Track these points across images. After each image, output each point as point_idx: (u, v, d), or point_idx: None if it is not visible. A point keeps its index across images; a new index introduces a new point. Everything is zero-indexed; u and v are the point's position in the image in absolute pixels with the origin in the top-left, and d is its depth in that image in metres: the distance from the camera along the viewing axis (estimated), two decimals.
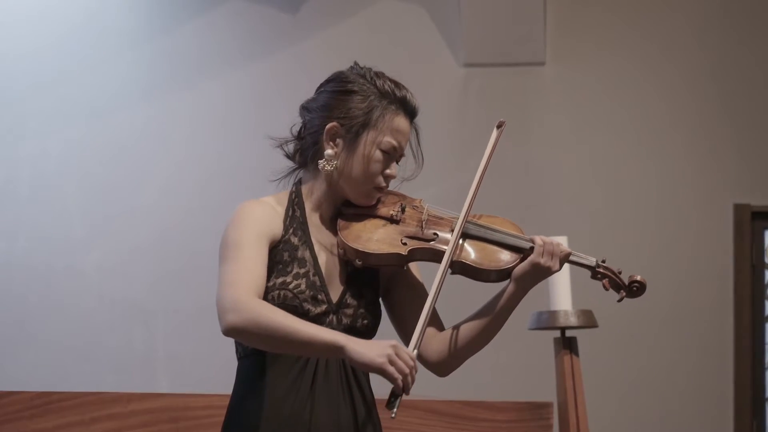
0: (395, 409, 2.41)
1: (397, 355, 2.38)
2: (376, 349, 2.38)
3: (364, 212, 2.67)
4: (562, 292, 4.24)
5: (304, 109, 2.70)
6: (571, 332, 4.27)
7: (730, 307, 5.96)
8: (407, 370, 2.39)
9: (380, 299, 2.71)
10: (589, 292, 5.55)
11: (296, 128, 2.71)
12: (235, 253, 2.51)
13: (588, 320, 4.23)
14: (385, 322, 2.74)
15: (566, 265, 4.26)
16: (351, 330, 2.57)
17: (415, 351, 2.44)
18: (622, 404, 5.90)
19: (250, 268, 2.50)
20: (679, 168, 6.04)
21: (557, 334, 4.27)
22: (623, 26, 6.10)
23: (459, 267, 2.62)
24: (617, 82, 6.08)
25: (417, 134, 2.74)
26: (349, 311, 2.60)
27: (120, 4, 6.09)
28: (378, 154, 2.63)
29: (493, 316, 2.65)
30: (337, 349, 2.39)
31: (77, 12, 6.07)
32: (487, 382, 5.83)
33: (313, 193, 2.67)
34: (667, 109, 6.07)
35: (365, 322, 2.61)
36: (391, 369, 2.37)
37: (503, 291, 2.66)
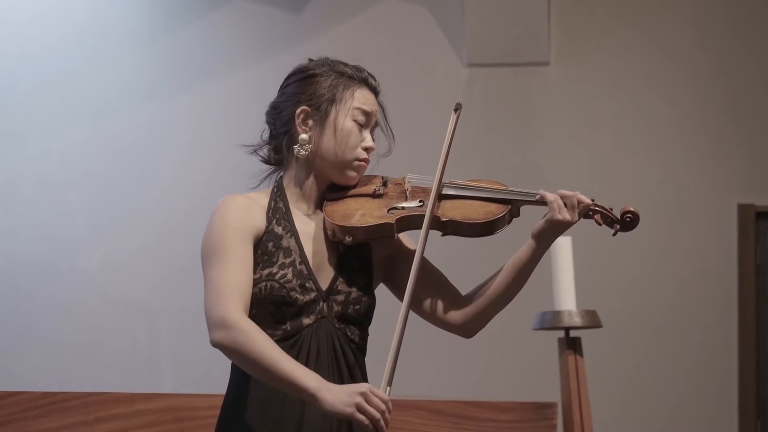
0: None
1: (366, 401, 2.38)
2: (346, 397, 2.38)
3: (348, 193, 2.68)
4: (566, 292, 4.24)
5: (272, 108, 2.73)
6: (575, 332, 4.27)
7: (734, 307, 5.96)
8: (378, 416, 2.38)
9: (380, 284, 2.72)
10: (593, 293, 5.57)
11: (266, 133, 2.74)
12: (219, 256, 2.52)
13: (592, 320, 4.23)
14: (383, 309, 2.74)
15: (567, 266, 4.23)
16: (343, 317, 2.59)
17: (388, 389, 2.43)
18: (625, 404, 5.90)
19: (236, 274, 2.51)
20: (683, 168, 6.04)
21: (561, 334, 4.27)
22: (627, 27, 6.09)
23: (450, 226, 2.63)
24: (621, 83, 6.08)
25: (383, 111, 2.76)
26: (340, 298, 2.60)
27: (123, 4, 6.09)
28: (350, 124, 2.66)
29: (516, 275, 2.69)
30: (310, 396, 2.40)
31: (80, 12, 6.07)
32: (491, 382, 5.83)
33: (294, 184, 2.68)
34: (671, 110, 6.07)
35: (357, 307, 2.61)
36: (360, 417, 2.37)
37: (524, 249, 2.72)
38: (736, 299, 5.96)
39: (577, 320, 4.20)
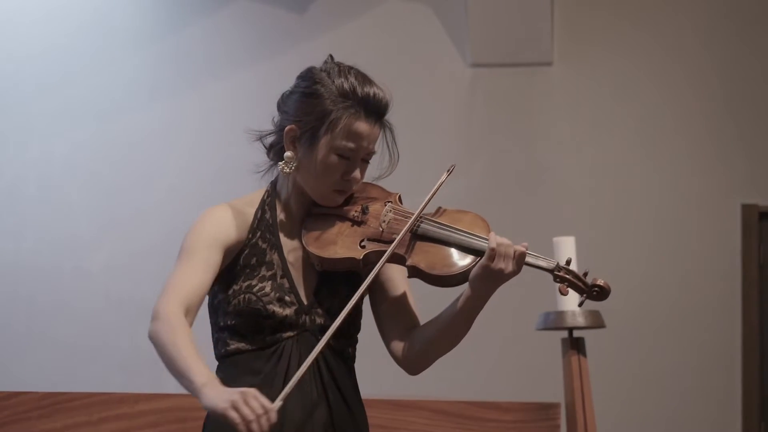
0: None
1: (244, 401, 2.29)
2: (225, 395, 2.30)
3: (331, 212, 2.62)
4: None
5: (279, 104, 2.67)
6: (579, 333, 4.27)
7: (737, 308, 5.96)
8: (251, 417, 2.28)
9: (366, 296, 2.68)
10: None
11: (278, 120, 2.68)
12: (183, 258, 2.54)
13: (595, 321, 4.23)
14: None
15: (572, 265, 4.24)
16: (325, 331, 2.52)
17: (280, 404, 2.34)
18: (629, 405, 5.90)
19: (189, 275, 2.51)
20: (687, 168, 6.04)
21: (565, 334, 4.27)
22: (630, 27, 6.09)
23: (413, 272, 2.53)
24: (624, 83, 6.08)
25: (389, 131, 2.65)
26: (322, 310, 2.57)
27: (127, 5, 6.10)
28: (334, 159, 2.56)
29: (457, 321, 2.55)
30: (195, 390, 2.35)
31: (84, 13, 6.08)
32: (495, 382, 5.83)
33: (284, 193, 2.65)
34: (674, 110, 6.07)
35: (344, 322, 2.51)
36: (233, 414, 2.28)
37: (463, 295, 2.55)
38: (740, 299, 5.96)
39: (580, 320, 4.20)
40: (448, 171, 2.76)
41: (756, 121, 6.05)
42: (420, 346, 2.60)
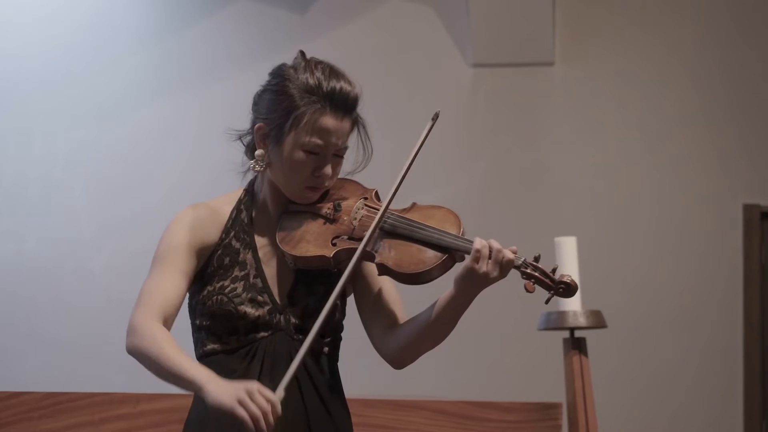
0: None
1: (250, 397, 2.29)
2: (231, 390, 2.31)
3: (306, 209, 2.59)
4: None
5: (253, 99, 2.67)
6: (581, 333, 4.27)
7: (739, 307, 5.95)
8: (258, 414, 2.28)
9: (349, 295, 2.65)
10: (598, 293, 5.57)
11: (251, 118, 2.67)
12: (156, 266, 2.54)
13: (597, 321, 4.23)
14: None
15: (573, 266, 4.23)
16: (302, 329, 2.52)
17: (281, 392, 2.34)
18: (631, 404, 5.90)
19: (163, 284, 2.51)
20: (689, 168, 6.04)
21: (566, 334, 4.27)
22: (631, 27, 6.09)
23: (382, 269, 2.50)
24: (626, 83, 6.07)
25: (361, 126, 2.61)
26: (297, 310, 2.54)
27: (128, 5, 6.10)
28: (302, 155, 2.53)
29: (441, 320, 2.52)
30: (197, 389, 2.35)
31: (86, 13, 6.08)
32: (496, 382, 5.83)
33: (260, 192, 2.63)
34: (676, 110, 6.07)
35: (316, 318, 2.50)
36: (241, 411, 2.29)
37: (447, 294, 2.51)
38: (742, 299, 5.95)
39: (582, 320, 4.20)
40: (432, 119, 2.71)
41: (758, 121, 6.05)
42: (404, 342, 2.57)
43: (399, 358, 2.59)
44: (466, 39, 6.07)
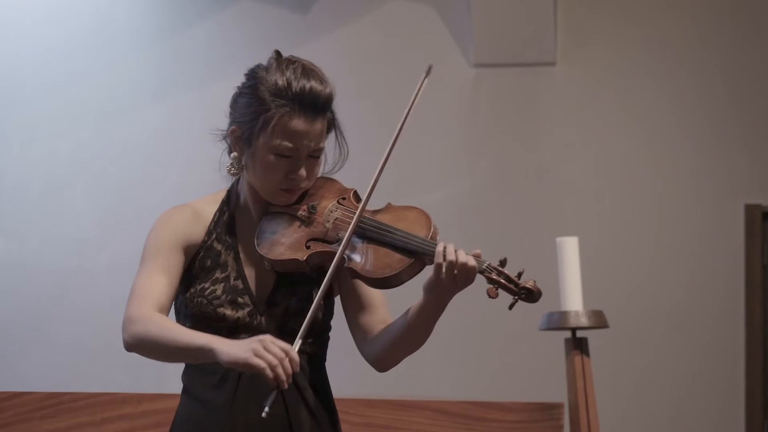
0: (266, 408, 2.29)
1: (264, 348, 2.27)
2: (244, 344, 2.29)
3: (285, 211, 2.56)
4: (572, 292, 4.24)
5: (230, 101, 2.65)
6: (582, 333, 4.27)
7: (741, 308, 5.95)
8: (275, 361, 2.26)
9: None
10: (600, 293, 5.57)
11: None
12: (145, 263, 2.54)
13: (599, 321, 4.23)
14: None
15: (574, 266, 4.23)
16: (284, 330, 2.50)
17: (299, 342, 2.34)
18: (632, 405, 5.90)
19: (153, 279, 2.50)
20: (690, 168, 6.03)
21: (568, 334, 4.27)
22: (633, 27, 6.09)
23: (351, 273, 2.47)
24: (627, 82, 6.07)
25: (332, 125, 2.55)
26: (278, 311, 2.52)
27: (130, 5, 6.10)
28: (273, 159, 2.49)
29: (415, 327, 2.47)
30: (209, 351, 2.32)
31: (87, 13, 6.08)
32: (498, 382, 5.83)
33: (242, 193, 2.61)
34: (678, 110, 6.06)
35: (298, 319, 2.48)
36: (257, 361, 2.26)
37: (418, 302, 2.47)
38: (743, 299, 5.95)
39: (583, 320, 4.20)
40: (426, 73, 2.63)
41: (760, 121, 6.05)
42: (383, 347, 2.53)
43: (380, 362, 2.56)
44: (467, 39, 6.07)
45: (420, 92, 2.60)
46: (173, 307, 2.60)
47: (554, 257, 4.28)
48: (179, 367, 2.64)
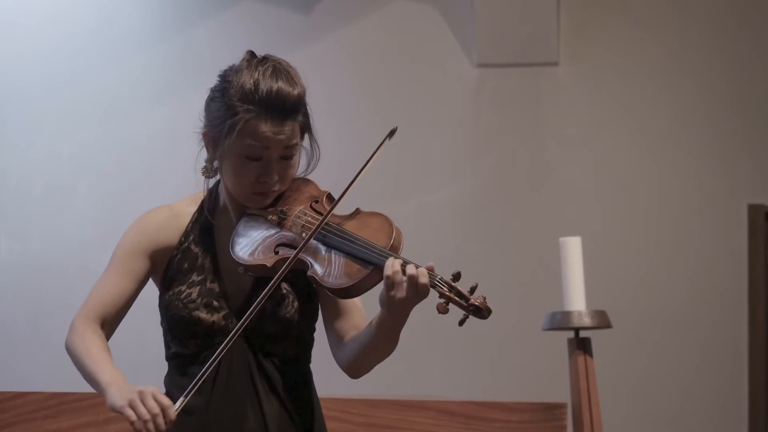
0: None
1: (141, 400, 2.28)
2: (126, 393, 2.31)
3: (260, 213, 2.52)
4: (575, 292, 4.23)
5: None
6: (585, 333, 4.27)
7: (744, 308, 5.95)
8: (147, 417, 2.26)
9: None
10: (603, 293, 5.56)
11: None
12: (109, 267, 2.60)
13: (602, 321, 4.23)
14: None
15: (577, 266, 4.23)
16: (261, 334, 2.49)
17: (183, 400, 2.32)
18: (635, 405, 5.89)
19: (110, 288, 2.56)
20: (693, 168, 6.03)
21: (571, 334, 4.27)
22: (636, 27, 6.08)
23: (312, 281, 2.42)
24: (630, 83, 6.07)
25: (303, 127, 2.49)
26: (256, 315, 2.44)
27: (133, 5, 6.10)
28: (243, 162, 2.45)
29: (378, 338, 2.42)
30: (102, 392, 2.36)
31: (91, 13, 6.08)
32: (501, 382, 5.82)
33: (222, 194, 2.59)
34: (680, 110, 6.06)
35: (274, 321, 2.48)
36: (129, 412, 2.28)
37: (377, 316, 2.41)
38: (746, 299, 5.95)
39: (586, 321, 4.19)
40: (389, 134, 2.54)
41: (762, 121, 6.04)
42: (352, 356, 2.49)
43: (350, 369, 2.52)
44: (470, 39, 6.07)
45: (379, 151, 2.49)
46: (159, 309, 2.61)
47: (557, 257, 4.28)
48: None
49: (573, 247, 4.26)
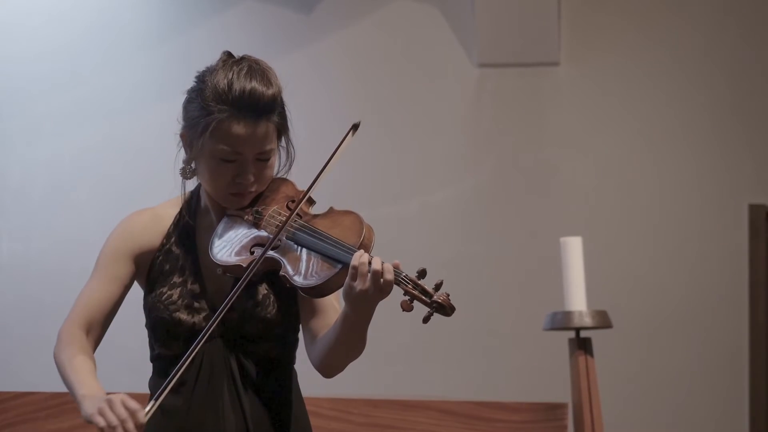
0: None
1: (110, 407, 2.27)
2: (95, 401, 2.31)
3: (239, 214, 2.51)
4: (576, 292, 4.24)
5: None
6: (586, 333, 4.27)
7: (745, 308, 5.95)
8: (115, 422, 2.25)
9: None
10: (604, 293, 5.57)
11: None
12: (94, 272, 2.59)
13: (603, 321, 4.23)
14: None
15: (578, 266, 4.23)
16: (242, 334, 2.48)
17: (152, 404, 2.32)
18: (636, 405, 5.89)
19: (94, 294, 2.56)
20: (694, 168, 6.03)
21: (572, 334, 4.27)
22: (637, 27, 6.09)
23: (283, 280, 2.40)
24: (631, 83, 6.07)
25: (279, 128, 2.47)
26: (235, 315, 2.46)
27: (134, 5, 6.11)
28: (218, 164, 2.45)
29: (345, 335, 2.38)
30: (78, 403, 2.37)
31: (91, 14, 6.09)
32: (502, 382, 5.83)
33: (203, 195, 2.58)
34: (681, 110, 6.06)
35: (254, 321, 2.47)
36: (99, 419, 2.27)
37: (342, 312, 2.38)
38: (747, 299, 5.95)
39: (587, 321, 4.20)
40: (352, 129, 2.51)
41: (763, 121, 6.04)
42: (322, 353, 2.46)
43: (323, 368, 2.49)
44: (471, 39, 6.07)
45: (342, 146, 2.47)
46: (143, 309, 2.60)
47: (558, 257, 4.28)
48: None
49: (574, 247, 4.26)
